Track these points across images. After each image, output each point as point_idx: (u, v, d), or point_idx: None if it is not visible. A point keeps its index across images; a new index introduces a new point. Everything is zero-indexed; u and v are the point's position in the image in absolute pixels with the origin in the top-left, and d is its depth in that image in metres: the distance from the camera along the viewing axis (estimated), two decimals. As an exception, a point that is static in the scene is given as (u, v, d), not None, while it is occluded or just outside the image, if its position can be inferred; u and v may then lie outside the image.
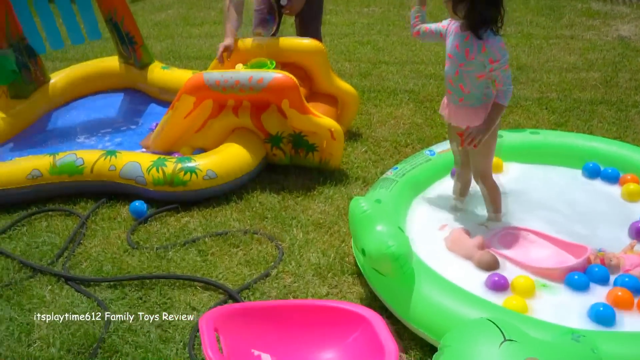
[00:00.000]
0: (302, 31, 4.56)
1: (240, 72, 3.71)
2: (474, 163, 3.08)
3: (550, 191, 3.38)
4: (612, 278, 2.69)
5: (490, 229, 3.08)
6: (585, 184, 3.48)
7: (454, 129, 3.06)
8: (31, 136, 4.67)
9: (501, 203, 3.13)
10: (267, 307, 2.41)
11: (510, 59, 2.84)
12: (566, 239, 2.93)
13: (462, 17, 2.73)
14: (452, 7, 2.73)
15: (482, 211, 3.20)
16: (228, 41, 4.11)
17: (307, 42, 4.17)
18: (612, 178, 3.45)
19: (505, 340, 1.95)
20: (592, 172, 3.51)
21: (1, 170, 3.73)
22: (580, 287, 2.62)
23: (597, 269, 2.69)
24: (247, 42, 4.23)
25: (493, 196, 3.11)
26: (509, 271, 2.77)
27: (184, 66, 6.06)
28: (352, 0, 8.57)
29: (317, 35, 4.54)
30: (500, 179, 3.38)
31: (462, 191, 3.29)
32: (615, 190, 3.40)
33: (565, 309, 2.53)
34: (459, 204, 3.28)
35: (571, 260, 2.78)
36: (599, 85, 5.08)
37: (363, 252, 2.45)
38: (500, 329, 1.99)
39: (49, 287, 2.98)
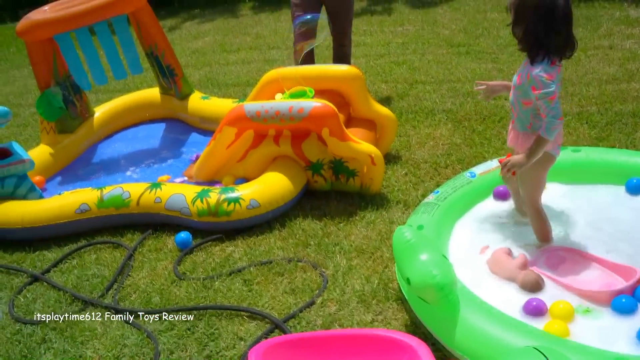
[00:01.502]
0: (336, 27, 5.12)
1: (281, 103, 3.78)
2: (521, 190, 3.09)
3: (593, 210, 3.32)
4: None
5: (535, 250, 3.05)
6: (629, 201, 3.41)
7: None
8: (78, 169, 4.84)
9: (549, 234, 3.07)
10: (314, 338, 2.43)
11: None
12: (612, 259, 2.88)
13: (519, 40, 2.72)
14: (512, 28, 2.74)
15: (526, 233, 3.18)
16: None
17: (344, 69, 4.24)
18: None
19: (552, 369, 1.94)
20: (636, 189, 3.45)
21: (51, 205, 3.87)
22: (627, 310, 2.56)
23: (646, 290, 2.65)
24: (285, 72, 4.30)
25: (536, 226, 3.08)
26: (550, 294, 2.73)
27: (223, 94, 6.19)
28: (385, 20, 8.61)
29: (349, 32, 5.24)
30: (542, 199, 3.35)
31: (519, 207, 3.29)
32: (660, 205, 3.34)
33: (610, 333, 2.48)
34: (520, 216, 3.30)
35: (620, 283, 2.73)
36: (640, 97, 4.99)
37: (408, 281, 2.46)
38: (547, 358, 1.98)
39: (100, 320, 3.07)
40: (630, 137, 4.29)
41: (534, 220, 3.07)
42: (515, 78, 2.84)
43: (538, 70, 2.66)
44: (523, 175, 2.96)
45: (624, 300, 2.59)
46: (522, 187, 3.05)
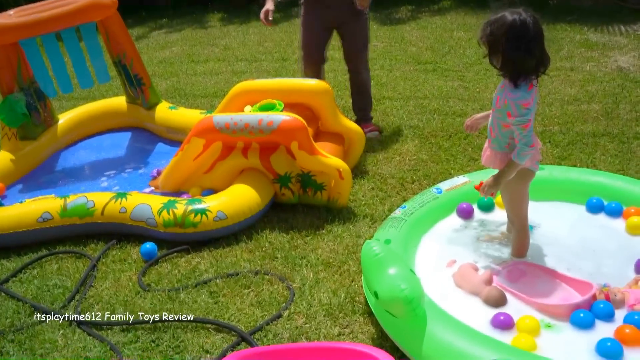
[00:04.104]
0: (351, 51, 5.06)
1: (250, 115, 3.78)
2: (507, 207, 3.17)
3: (555, 227, 3.39)
4: (617, 313, 2.69)
5: (498, 264, 3.10)
6: (589, 219, 3.49)
7: None
8: (40, 177, 4.73)
9: (526, 250, 3.13)
10: (281, 351, 2.43)
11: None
12: (573, 276, 2.95)
13: (498, 69, 2.74)
14: (489, 60, 2.76)
15: (491, 248, 3.23)
16: (269, 5, 4.77)
17: (313, 83, 4.27)
18: (616, 212, 3.46)
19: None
20: (596, 207, 3.53)
21: (12, 213, 3.78)
22: (585, 325, 2.62)
23: (602, 305, 2.69)
24: (255, 84, 4.30)
25: (518, 240, 3.13)
26: (514, 309, 2.78)
27: (190, 104, 6.15)
28: (353, 35, 8.67)
29: (365, 56, 5.12)
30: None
31: (509, 226, 3.33)
32: (619, 224, 3.41)
33: (571, 347, 2.53)
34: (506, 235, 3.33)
35: (577, 297, 2.79)
36: (600, 118, 5.12)
37: (376, 295, 2.47)
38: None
39: (61, 332, 3.00)
40: (591, 157, 4.40)
41: (519, 234, 3.12)
42: (494, 101, 2.87)
43: (516, 96, 2.70)
44: (505, 191, 3.03)
45: (582, 315, 2.65)
46: (507, 203, 3.12)
